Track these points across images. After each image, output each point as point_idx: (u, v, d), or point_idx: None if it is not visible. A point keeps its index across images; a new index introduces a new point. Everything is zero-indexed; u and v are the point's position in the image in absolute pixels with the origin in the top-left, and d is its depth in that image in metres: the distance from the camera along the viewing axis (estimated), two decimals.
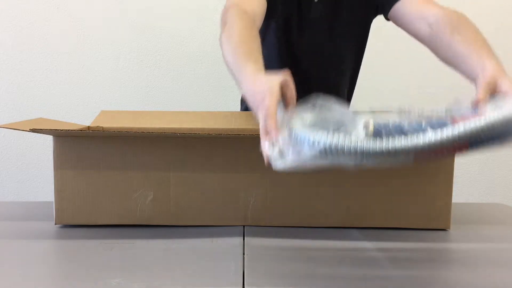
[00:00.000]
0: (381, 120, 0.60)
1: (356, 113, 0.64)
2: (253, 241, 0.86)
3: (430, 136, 0.56)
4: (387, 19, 1.15)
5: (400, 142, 0.56)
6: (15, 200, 2.03)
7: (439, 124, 0.57)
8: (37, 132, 0.86)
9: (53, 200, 0.93)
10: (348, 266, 0.74)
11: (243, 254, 0.80)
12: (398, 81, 2.06)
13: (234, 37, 0.86)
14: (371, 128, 0.59)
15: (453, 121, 0.58)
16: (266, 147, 0.66)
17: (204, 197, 0.93)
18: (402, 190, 0.93)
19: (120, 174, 0.92)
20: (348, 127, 0.60)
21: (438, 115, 0.62)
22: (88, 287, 0.68)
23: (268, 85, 0.72)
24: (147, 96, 2.05)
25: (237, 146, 0.92)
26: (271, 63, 1.21)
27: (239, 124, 1.10)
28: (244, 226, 0.92)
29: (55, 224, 0.93)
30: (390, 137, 0.57)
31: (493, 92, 0.73)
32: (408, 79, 2.06)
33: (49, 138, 0.92)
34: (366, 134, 0.59)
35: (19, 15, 1.98)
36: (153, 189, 0.92)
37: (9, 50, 2.00)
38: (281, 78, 0.73)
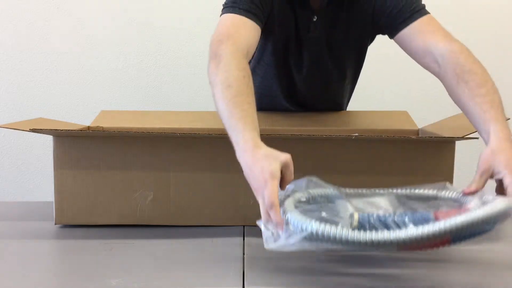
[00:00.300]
0: (367, 212, 0.65)
1: (347, 195, 0.70)
2: (253, 241, 0.85)
3: (412, 232, 0.59)
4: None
5: (382, 235, 0.60)
6: (15, 200, 2.03)
7: (422, 220, 0.62)
8: (37, 132, 0.86)
9: (53, 200, 0.93)
10: (348, 266, 0.74)
11: (243, 254, 0.80)
12: (400, 85, 2.06)
13: (229, 85, 0.81)
14: (355, 220, 0.64)
15: (436, 217, 0.62)
16: (263, 228, 0.69)
17: (204, 197, 0.92)
18: None
19: (120, 174, 0.92)
20: (337, 214, 0.65)
21: (422, 210, 0.67)
22: (88, 287, 0.69)
23: (270, 170, 0.70)
24: (147, 96, 2.05)
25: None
26: (268, 82, 1.20)
27: None
28: (244, 226, 0.92)
29: (55, 224, 0.93)
30: (373, 230, 0.61)
31: (489, 177, 0.76)
32: (410, 82, 2.06)
33: (49, 138, 0.92)
34: (351, 225, 0.64)
35: (19, 15, 1.98)
36: (153, 189, 0.92)
37: (9, 50, 2.00)
38: (282, 160, 0.72)
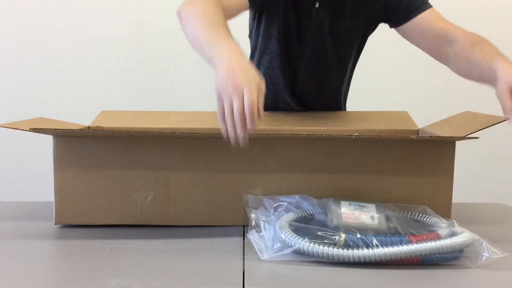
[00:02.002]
0: (353, 232, 0.76)
1: (339, 215, 0.81)
2: None
3: (389, 250, 0.73)
4: (392, 27, 1.16)
5: (363, 253, 0.73)
6: (15, 200, 2.03)
7: (398, 241, 0.75)
8: (37, 131, 0.86)
9: (53, 200, 0.93)
10: (348, 266, 0.74)
11: (243, 254, 0.80)
12: (400, 85, 2.06)
13: (201, 11, 0.85)
14: (342, 240, 0.75)
15: (410, 239, 0.75)
16: (258, 239, 0.79)
17: (204, 197, 0.92)
18: (401, 190, 0.93)
19: (120, 174, 0.92)
20: (326, 233, 0.76)
21: (399, 231, 0.79)
22: (88, 287, 0.69)
23: (259, 78, 0.75)
24: (147, 96, 2.05)
25: (237, 146, 0.92)
26: (273, 73, 1.20)
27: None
28: (244, 226, 0.92)
29: (55, 224, 0.93)
30: (356, 248, 0.74)
31: None
32: (410, 82, 2.06)
33: (49, 138, 0.92)
34: (338, 244, 0.75)
35: (19, 15, 1.98)
36: (153, 189, 0.92)
37: (9, 50, 2.00)
38: (263, 84, 0.77)
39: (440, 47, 1.09)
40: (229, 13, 0.99)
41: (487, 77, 0.95)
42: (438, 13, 1.11)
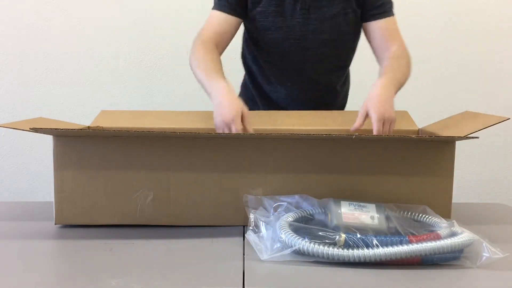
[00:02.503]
0: (354, 232, 0.76)
1: (339, 215, 0.81)
2: None
3: (389, 250, 0.73)
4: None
5: (363, 253, 0.74)
6: (15, 200, 2.03)
7: (398, 241, 0.75)
8: (37, 131, 0.86)
9: (53, 200, 0.93)
10: (348, 266, 0.74)
11: (243, 254, 0.80)
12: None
13: (200, 61, 1.13)
14: (342, 240, 0.75)
15: (410, 239, 0.75)
16: (257, 240, 0.80)
17: (204, 197, 0.92)
18: (401, 190, 0.93)
19: (120, 174, 0.92)
20: (326, 233, 0.77)
21: (399, 231, 0.79)
22: (88, 287, 0.69)
23: (237, 106, 1.02)
24: (147, 96, 2.05)
25: (237, 146, 0.92)
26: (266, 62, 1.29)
27: None
28: (244, 226, 0.92)
29: (55, 224, 0.93)
30: (356, 249, 0.74)
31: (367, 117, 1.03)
32: (410, 82, 2.06)
33: (49, 138, 0.92)
34: (338, 244, 0.75)
35: (19, 15, 1.98)
36: (153, 189, 0.92)
37: (9, 50, 2.00)
38: (245, 109, 1.03)
39: (380, 55, 1.22)
40: (229, 38, 1.22)
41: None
42: (395, 24, 1.24)
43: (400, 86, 1.13)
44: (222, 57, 1.20)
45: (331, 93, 1.34)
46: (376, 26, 1.22)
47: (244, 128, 1.01)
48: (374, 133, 1.00)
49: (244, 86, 1.42)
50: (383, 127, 1.01)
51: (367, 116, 1.03)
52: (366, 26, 1.25)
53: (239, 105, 1.02)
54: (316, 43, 1.23)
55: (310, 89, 1.30)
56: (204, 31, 1.21)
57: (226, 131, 1.00)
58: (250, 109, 1.06)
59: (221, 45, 1.21)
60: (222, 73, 1.11)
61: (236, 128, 0.99)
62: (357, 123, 1.03)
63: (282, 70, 1.28)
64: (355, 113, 1.12)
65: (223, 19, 1.21)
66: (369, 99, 1.03)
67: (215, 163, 0.92)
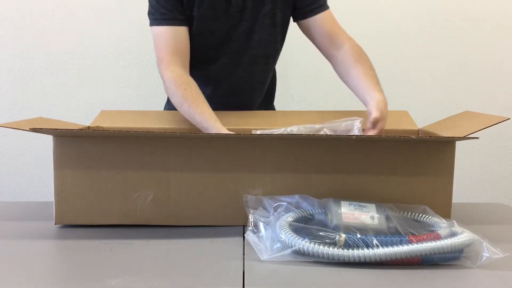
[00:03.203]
0: (354, 232, 0.76)
1: (339, 215, 0.81)
2: None
3: (389, 250, 0.73)
4: (294, 21, 1.27)
5: (363, 253, 0.74)
6: (15, 200, 2.03)
7: (398, 241, 0.75)
8: (37, 131, 0.86)
9: (53, 200, 0.93)
10: (348, 266, 0.74)
11: (243, 254, 0.80)
12: (400, 85, 2.06)
13: (182, 103, 1.07)
14: (342, 240, 0.75)
15: (411, 239, 0.75)
16: (256, 240, 0.80)
17: (204, 197, 0.92)
18: (401, 190, 0.93)
19: (120, 174, 0.92)
20: (326, 233, 0.77)
21: (399, 231, 0.79)
22: (88, 287, 0.69)
23: None
24: (147, 96, 2.05)
25: (237, 146, 0.92)
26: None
27: (240, 124, 1.10)
28: (244, 226, 0.92)
29: (55, 224, 0.93)
30: (356, 249, 0.74)
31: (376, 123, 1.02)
32: (410, 82, 2.06)
33: (49, 138, 0.92)
34: (338, 243, 0.75)
35: (19, 15, 1.98)
36: (153, 189, 0.92)
37: (9, 50, 2.00)
38: None
39: (329, 48, 1.22)
40: (188, 49, 1.17)
41: (361, 96, 1.12)
42: (333, 15, 1.23)
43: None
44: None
45: (256, 94, 1.33)
46: (316, 21, 1.21)
47: None
48: (376, 133, 1.02)
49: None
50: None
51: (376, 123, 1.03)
52: (304, 24, 1.23)
53: None
54: (248, 44, 1.22)
55: (235, 91, 1.28)
56: (163, 54, 1.14)
57: None
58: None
59: (185, 61, 1.16)
60: (210, 112, 1.06)
61: None
62: (369, 132, 1.03)
63: (211, 72, 1.26)
64: (355, 112, 1.13)
65: (175, 33, 1.16)
66: (379, 109, 1.03)
67: (215, 163, 0.92)
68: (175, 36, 1.16)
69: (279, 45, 1.29)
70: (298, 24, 1.26)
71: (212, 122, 1.03)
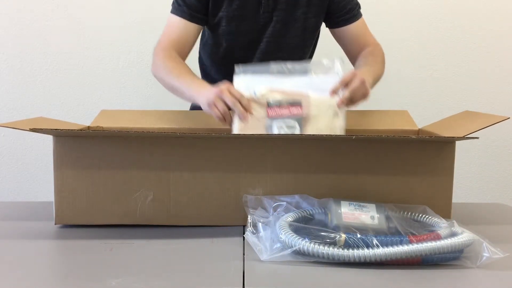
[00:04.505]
0: (354, 232, 0.76)
1: (339, 215, 0.81)
2: None
3: (389, 250, 0.73)
4: (327, 26, 1.28)
5: (363, 253, 0.73)
6: (15, 200, 2.03)
7: (398, 241, 0.75)
8: (37, 131, 0.86)
9: (53, 200, 0.93)
10: (348, 266, 0.74)
11: (243, 254, 0.80)
12: (400, 84, 2.05)
13: (169, 69, 1.13)
14: (342, 240, 0.75)
15: (411, 239, 0.75)
16: (256, 241, 0.79)
17: (204, 197, 0.92)
18: (401, 190, 0.93)
19: (120, 174, 0.92)
20: (326, 233, 0.76)
21: (400, 231, 0.79)
22: (88, 287, 0.69)
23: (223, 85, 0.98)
24: (147, 96, 2.05)
25: (237, 146, 0.92)
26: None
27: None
28: (244, 226, 0.92)
29: (55, 224, 0.93)
30: (356, 249, 0.74)
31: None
32: (410, 82, 2.06)
33: (49, 138, 0.92)
34: (338, 243, 0.75)
35: (19, 15, 1.98)
36: (153, 189, 0.92)
37: (9, 50, 2.00)
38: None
39: (357, 55, 1.23)
40: (190, 45, 1.21)
41: None
42: (365, 23, 1.26)
43: (376, 79, 1.13)
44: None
45: None
46: (348, 31, 1.24)
47: (237, 100, 0.96)
48: (341, 81, 1.01)
49: None
50: (352, 91, 1.01)
51: (346, 85, 1.01)
52: (337, 32, 1.26)
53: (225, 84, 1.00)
54: (276, 47, 1.22)
55: None
56: (164, 39, 1.19)
57: (219, 107, 0.97)
58: None
59: (182, 54, 1.18)
60: (196, 76, 1.11)
61: (229, 98, 0.96)
62: (334, 88, 1.02)
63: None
64: (355, 112, 1.13)
65: (183, 26, 1.19)
66: (350, 71, 1.04)
67: (215, 163, 0.92)
68: (182, 29, 1.18)
69: (307, 50, 1.29)
70: (331, 31, 1.27)
71: (191, 79, 1.08)
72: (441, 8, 2.03)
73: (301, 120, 0.98)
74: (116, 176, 0.92)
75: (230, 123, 0.99)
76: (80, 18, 1.99)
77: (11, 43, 1.99)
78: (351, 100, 1.02)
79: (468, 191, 2.12)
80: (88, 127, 1.10)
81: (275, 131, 0.97)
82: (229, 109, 0.98)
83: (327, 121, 1.00)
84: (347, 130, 1.05)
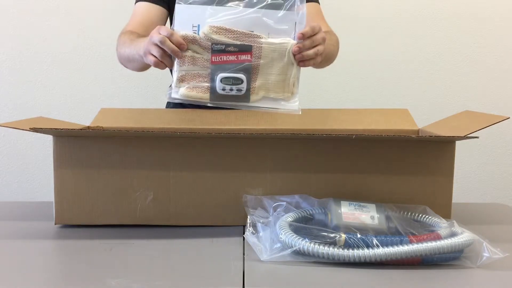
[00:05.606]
0: (354, 232, 0.76)
1: (339, 214, 0.81)
2: None
3: (389, 250, 0.73)
4: None
5: (363, 253, 0.73)
6: (15, 200, 2.03)
7: (398, 241, 0.75)
8: (37, 131, 0.86)
9: (53, 200, 0.93)
10: (348, 266, 0.74)
11: (243, 254, 0.80)
12: (401, 84, 2.06)
13: (122, 41, 1.17)
14: (342, 239, 0.75)
15: (411, 239, 0.75)
16: (256, 241, 0.79)
17: (204, 197, 0.92)
18: (401, 190, 0.93)
19: (120, 174, 0.92)
20: (326, 233, 0.76)
21: (400, 231, 0.79)
22: (88, 287, 0.69)
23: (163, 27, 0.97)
24: (147, 96, 2.05)
25: (237, 146, 0.92)
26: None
27: (239, 123, 1.10)
28: (244, 226, 0.92)
29: (55, 224, 0.93)
30: (356, 249, 0.74)
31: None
32: (410, 82, 2.06)
33: (49, 138, 0.92)
34: (338, 243, 0.75)
35: (19, 15, 1.98)
36: (153, 189, 0.92)
37: (9, 49, 2.00)
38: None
39: None
40: (155, 26, 1.15)
41: None
42: (320, 10, 1.22)
43: (328, 54, 1.09)
44: None
45: None
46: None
47: (167, 37, 0.94)
48: (312, 27, 0.96)
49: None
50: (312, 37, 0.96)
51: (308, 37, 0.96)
52: None
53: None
54: None
55: None
56: (128, 25, 1.20)
57: (154, 52, 0.96)
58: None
59: (147, 34, 1.12)
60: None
61: (158, 37, 0.94)
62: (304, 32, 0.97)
63: None
64: (356, 111, 1.13)
65: (146, 9, 1.20)
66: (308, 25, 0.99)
67: (215, 163, 0.92)
68: (145, 11, 1.21)
69: None
70: None
71: (139, 41, 1.07)
72: (441, 7, 2.03)
73: (250, 69, 0.93)
74: (116, 176, 0.92)
75: (172, 66, 0.98)
76: (80, 18, 1.99)
77: (11, 43, 1.99)
78: (307, 55, 0.97)
79: (468, 191, 2.12)
80: (88, 127, 1.10)
81: (219, 90, 0.93)
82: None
83: (280, 70, 0.93)
84: (347, 130, 1.05)
